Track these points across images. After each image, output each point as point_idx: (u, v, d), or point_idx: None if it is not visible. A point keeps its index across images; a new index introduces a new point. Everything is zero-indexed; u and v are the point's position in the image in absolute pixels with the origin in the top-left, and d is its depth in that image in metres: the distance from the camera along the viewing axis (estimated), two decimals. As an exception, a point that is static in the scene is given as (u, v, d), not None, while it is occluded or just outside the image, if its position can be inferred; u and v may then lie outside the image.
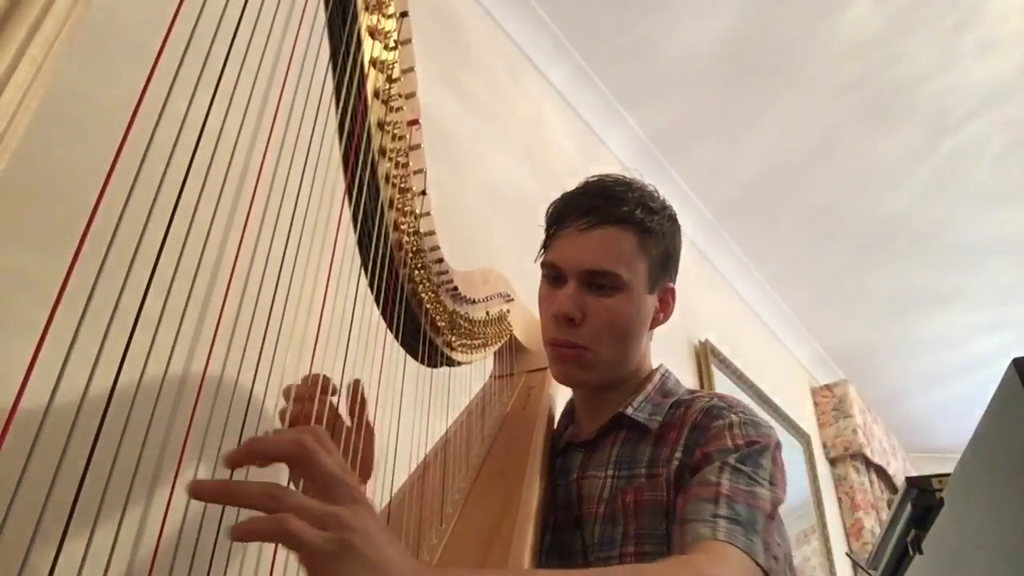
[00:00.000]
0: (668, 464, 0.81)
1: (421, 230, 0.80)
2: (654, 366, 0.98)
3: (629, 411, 0.88)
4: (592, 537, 0.82)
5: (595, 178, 0.95)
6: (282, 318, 0.67)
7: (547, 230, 0.94)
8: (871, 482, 4.40)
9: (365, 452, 0.86)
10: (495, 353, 1.12)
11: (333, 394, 0.81)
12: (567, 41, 2.56)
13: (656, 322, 0.95)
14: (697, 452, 0.80)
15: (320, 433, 0.49)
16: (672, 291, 0.96)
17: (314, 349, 0.65)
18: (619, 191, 0.91)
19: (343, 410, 0.83)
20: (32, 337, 0.40)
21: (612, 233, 0.88)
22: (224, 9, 0.56)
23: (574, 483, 0.88)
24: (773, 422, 3.61)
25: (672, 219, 0.95)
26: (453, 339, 0.93)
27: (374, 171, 0.70)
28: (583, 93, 2.73)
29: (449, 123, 1.85)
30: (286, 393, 0.78)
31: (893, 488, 4.61)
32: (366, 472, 0.87)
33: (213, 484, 0.46)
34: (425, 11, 1.87)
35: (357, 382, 0.85)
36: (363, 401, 0.85)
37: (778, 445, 0.82)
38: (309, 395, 0.77)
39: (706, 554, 0.67)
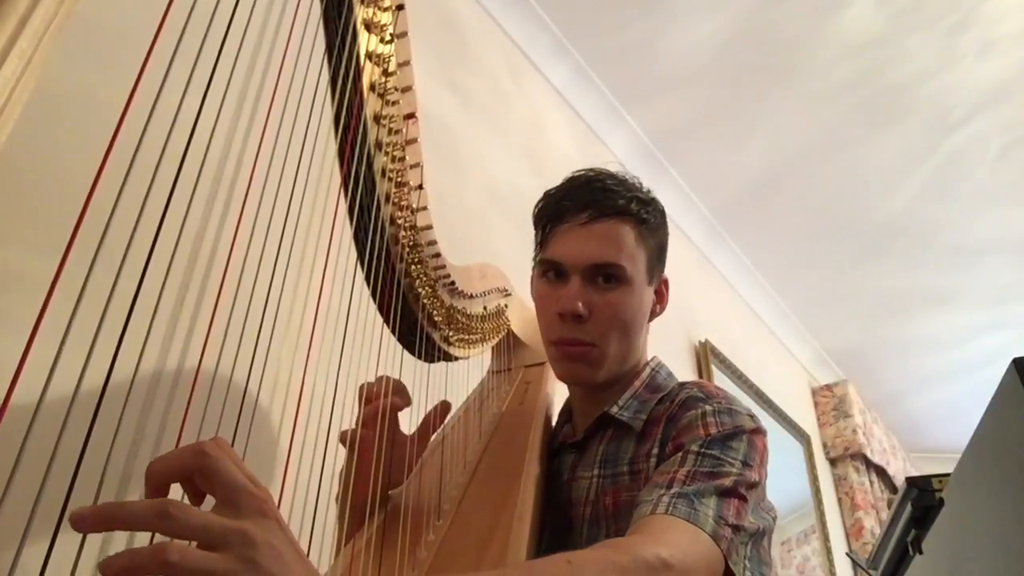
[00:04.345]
0: (648, 461, 0.81)
1: (418, 224, 0.79)
2: (647, 358, 0.97)
3: (614, 410, 0.87)
4: (581, 539, 0.81)
5: (580, 173, 0.94)
6: (277, 313, 0.66)
7: (543, 227, 0.93)
8: (871, 482, 4.40)
9: (408, 463, 0.89)
10: (493, 348, 1.12)
11: (408, 405, 0.86)
12: (567, 41, 2.55)
13: (654, 314, 0.94)
14: (669, 445, 0.79)
15: (222, 442, 0.44)
16: (667, 282, 0.96)
17: (310, 344, 0.65)
18: (611, 184, 0.90)
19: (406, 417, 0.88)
20: (23, 333, 0.39)
21: (614, 226, 0.87)
22: (217, 2, 0.55)
23: (565, 484, 0.88)
24: (773, 422, 3.62)
25: (662, 211, 0.95)
26: (450, 334, 0.93)
27: (370, 165, 0.70)
28: (583, 93, 2.72)
29: (449, 122, 1.85)
30: (361, 392, 0.83)
31: (893, 488, 4.60)
32: (399, 478, 0.89)
33: (91, 511, 0.39)
34: (425, 10, 1.87)
35: (447, 404, 0.91)
36: (439, 421, 0.90)
37: (756, 431, 0.80)
38: (378, 394, 0.82)
39: (643, 533, 0.65)
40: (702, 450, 0.74)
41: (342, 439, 0.82)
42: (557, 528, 0.85)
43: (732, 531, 0.67)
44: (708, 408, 0.80)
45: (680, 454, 0.75)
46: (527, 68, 2.46)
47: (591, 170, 0.94)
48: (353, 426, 0.82)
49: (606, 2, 2.44)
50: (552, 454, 0.95)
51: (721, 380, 3.13)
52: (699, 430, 0.77)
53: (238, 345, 0.64)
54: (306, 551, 0.63)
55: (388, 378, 0.83)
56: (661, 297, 0.95)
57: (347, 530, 0.78)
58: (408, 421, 0.91)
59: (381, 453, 0.80)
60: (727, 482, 0.71)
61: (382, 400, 0.82)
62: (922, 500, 1.26)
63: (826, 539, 3.72)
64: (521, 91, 2.38)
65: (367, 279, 0.73)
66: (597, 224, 0.87)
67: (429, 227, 0.81)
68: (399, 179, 0.74)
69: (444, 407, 0.91)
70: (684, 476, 0.71)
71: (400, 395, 0.85)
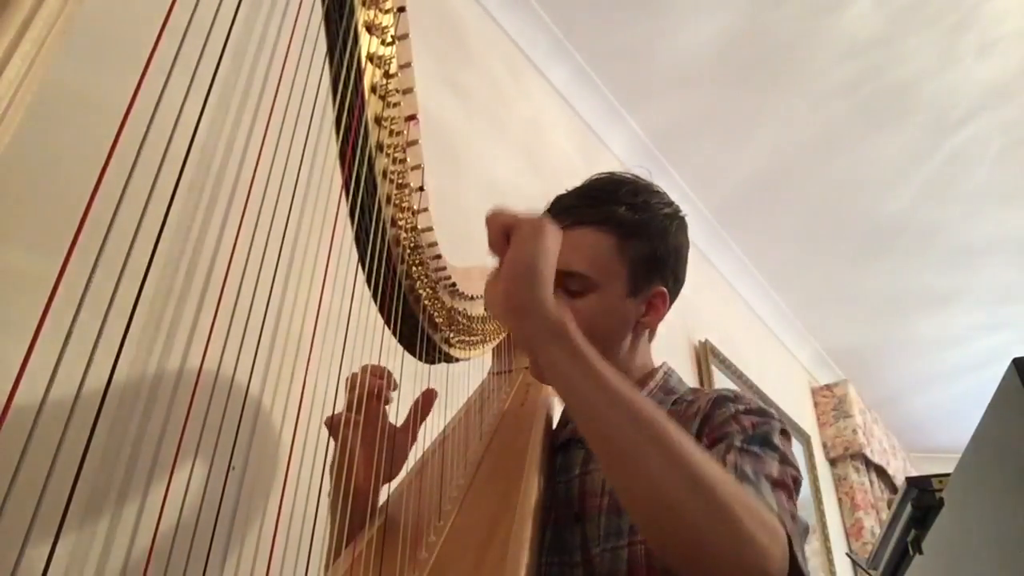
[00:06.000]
0: None
1: (419, 226, 0.79)
2: (656, 365, 0.97)
3: None
4: (598, 530, 0.80)
5: (594, 176, 0.94)
6: (279, 314, 0.66)
7: None
8: (871, 482, 4.40)
9: (399, 454, 0.90)
10: (493, 350, 1.12)
11: (393, 389, 0.86)
12: (567, 41, 2.55)
13: (641, 326, 0.93)
14: (704, 440, 0.79)
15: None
16: (663, 294, 0.94)
17: (311, 346, 0.65)
18: (607, 191, 0.90)
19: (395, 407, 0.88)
20: (26, 334, 0.39)
21: (586, 234, 0.87)
22: (219, 5, 0.56)
23: (576, 479, 0.88)
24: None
25: (668, 219, 0.94)
26: (451, 335, 0.93)
27: (371, 167, 0.70)
28: (583, 93, 2.72)
29: (449, 123, 1.85)
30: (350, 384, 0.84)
31: (893, 488, 4.60)
32: (392, 471, 0.89)
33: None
34: (425, 11, 1.87)
35: (433, 392, 0.91)
36: (426, 411, 0.90)
37: (784, 432, 0.81)
38: (363, 381, 0.82)
39: None
40: (744, 445, 0.75)
41: (327, 423, 0.82)
42: (564, 522, 0.84)
43: (791, 520, 0.67)
44: (740, 407, 0.81)
45: (723, 444, 0.75)
46: (527, 68, 2.46)
47: (605, 174, 0.94)
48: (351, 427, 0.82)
49: (606, 2, 2.44)
50: (556, 452, 0.95)
51: (721, 380, 3.13)
52: (734, 426, 0.78)
53: (239, 347, 0.65)
54: (307, 554, 0.63)
55: (373, 365, 0.84)
56: (653, 310, 0.93)
57: (339, 521, 0.78)
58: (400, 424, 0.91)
59: (373, 439, 0.80)
60: (775, 472, 0.72)
61: (367, 377, 0.82)
62: (922, 500, 1.26)
63: (826, 539, 3.72)
64: (521, 91, 2.38)
65: (368, 281, 0.73)
66: (570, 231, 0.87)
67: (430, 229, 0.81)
68: (400, 181, 0.74)
69: (429, 395, 0.91)
70: (734, 460, 0.71)
71: (386, 379, 0.86)
